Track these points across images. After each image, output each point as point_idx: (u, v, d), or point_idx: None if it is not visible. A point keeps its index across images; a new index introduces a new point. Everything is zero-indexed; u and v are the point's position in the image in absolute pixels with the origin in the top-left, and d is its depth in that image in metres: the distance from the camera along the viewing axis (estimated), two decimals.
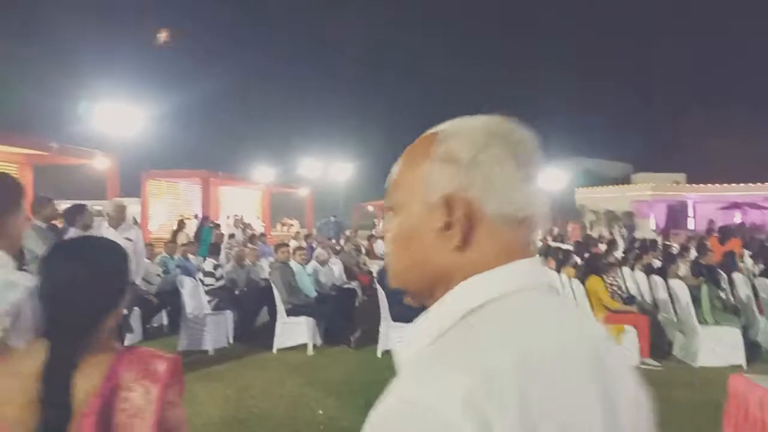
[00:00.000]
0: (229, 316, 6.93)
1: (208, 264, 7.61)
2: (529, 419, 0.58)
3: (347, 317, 7.49)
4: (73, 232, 4.91)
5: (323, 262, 8.29)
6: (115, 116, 18.82)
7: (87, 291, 1.19)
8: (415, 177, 0.74)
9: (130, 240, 5.51)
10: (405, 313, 6.35)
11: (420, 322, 0.72)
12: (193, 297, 6.77)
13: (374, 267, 11.77)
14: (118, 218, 5.58)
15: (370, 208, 47.03)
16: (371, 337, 6.55)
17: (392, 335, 6.27)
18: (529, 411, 0.58)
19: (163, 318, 7.75)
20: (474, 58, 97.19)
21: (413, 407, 0.58)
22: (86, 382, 1.12)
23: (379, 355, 6.31)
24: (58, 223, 6.12)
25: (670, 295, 6.84)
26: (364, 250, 13.08)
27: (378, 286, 6.75)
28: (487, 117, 0.76)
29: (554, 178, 36.45)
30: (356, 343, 6.74)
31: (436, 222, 0.71)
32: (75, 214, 5.01)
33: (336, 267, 9.51)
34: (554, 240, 17.61)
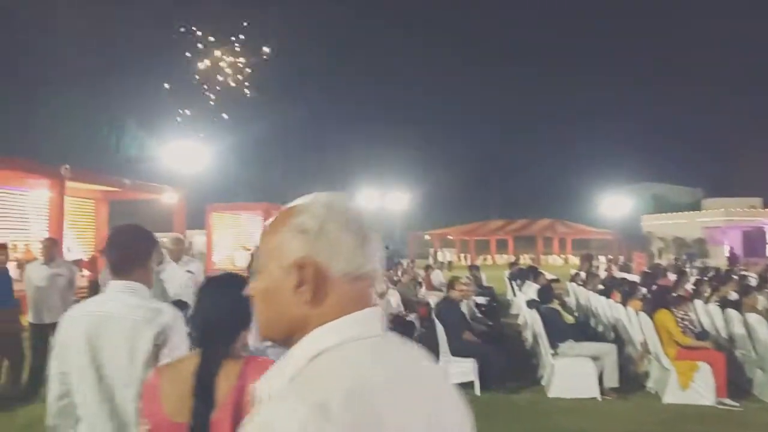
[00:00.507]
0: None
1: None
2: None
3: None
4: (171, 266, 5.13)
5: (381, 294, 8.30)
6: (182, 153, 19.82)
7: (229, 314, 1.60)
8: (275, 244, 0.89)
9: (191, 272, 5.71)
10: (465, 348, 6.27)
11: (280, 363, 0.85)
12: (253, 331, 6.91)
13: (432, 298, 11.67)
14: (177, 251, 5.79)
15: (427, 237, 46.91)
16: None
17: (452, 370, 6.17)
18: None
19: None
20: (534, 84, 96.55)
21: (268, 428, 0.73)
22: (226, 382, 1.50)
23: None
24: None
25: (747, 329, 6.42)
26: (421, 281, 13.02)
27: (436, 320, 6.68)
28: (331, 194, 0.93)
29: (618, 204, 35.24)
30: None
31: (291, 281, 0.85)
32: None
33: (393, 298, 9.50)
34: (620, 270, 16.94)
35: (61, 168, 14.84)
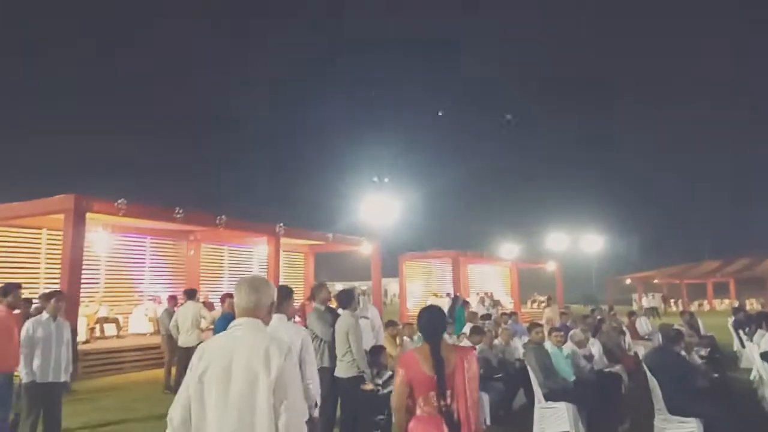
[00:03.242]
0: (485, 397, 6.94)
1: (464, 345, 7.83)
2: (197, 365, 2.20)
3: (613, 405, 6.86)
4: (346, 313, 5.63)
5: (581, 343, 7.83)
6: (376, 207, 21.22)
7: (438, 323, 3.08)
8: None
9: (367, 318, 6.23)
10: (687, 406, 5.57)
11: None
12: None
13: (639, 349, 10.62)
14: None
15: (628, 282, 42.97)
16: (644, 430, 5.87)
17: (670, 431, 5.54)
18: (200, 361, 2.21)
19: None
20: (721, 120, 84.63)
21: None
22: (449, 359, 2.89)
23: None
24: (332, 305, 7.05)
25: None
26: (625, 329, 11.94)
27: (648, 372, 6.07)
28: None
29: None
30: None
31: None
32: (346, 299, 5.76)
33: (595, 348, 8.88)
34: None
35: (276, 227, 16.92)
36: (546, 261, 34.37)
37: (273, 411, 2.10)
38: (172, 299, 10.58)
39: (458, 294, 18.56)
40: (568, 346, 7.62)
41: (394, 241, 28.99)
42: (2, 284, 6.23)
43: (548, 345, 7.07)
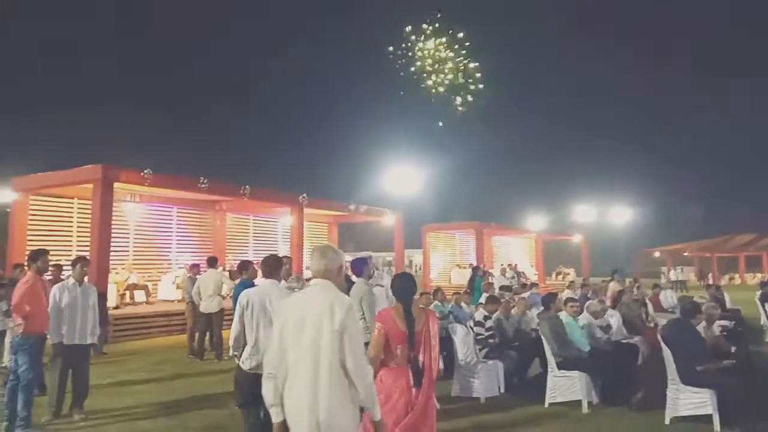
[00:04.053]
0: (499, 365, 7.01)
1: (479, 314, 7.88)
2: (279, 319, 2.78)
3: (628, 376, 6.85)
4: (360, 281, 5.72)
5: (597, 314, 7.80)
6: (399, 178, 21.18)
7: (410, 287, 3.64)
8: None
9: (382, 286, 6.93)
10: (700, 377, 5.54)
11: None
12: (464, 344, 7.06)
13: (661, 321, 10.51)
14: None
15: (657, 254, 42.28)
16: (657, 400, 5.86)
17: (683, 400, 5.52)
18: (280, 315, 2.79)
19: (440, 362, 8.23)
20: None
21: None
22: (419, 318, 3.52)
23: (666, 422, 5.61)
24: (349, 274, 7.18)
25: None
26: (648, 302, 11.82)
27: (662, 342, 6.03)
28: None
29: None
30: (639, 406, 6.10)
31: None
32: (359, 267, 5.86)
33: (614, 319, 8.83)
34: None
35: (299, 197, 17.09)
36: (572, 233, 33.98)
37: (339, 354, 2.54)
38: (195, 267, 10.87)
39: (479, 265, 18.55)
40: (585, 317, 7.60)
41: (419, 211, 29.00)
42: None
43: (563, 315, 7.07)
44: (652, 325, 10.17)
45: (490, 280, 14.20)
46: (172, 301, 14.61)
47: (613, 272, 14.00)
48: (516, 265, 23.97)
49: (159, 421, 5.88)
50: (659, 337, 6.01)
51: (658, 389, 5.91)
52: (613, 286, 12.02)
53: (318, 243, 21.64)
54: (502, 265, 22.82)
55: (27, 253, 7.83)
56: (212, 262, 9.82)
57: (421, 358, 3.45)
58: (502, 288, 11.35)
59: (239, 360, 4.16)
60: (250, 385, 4.00)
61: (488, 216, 31.77)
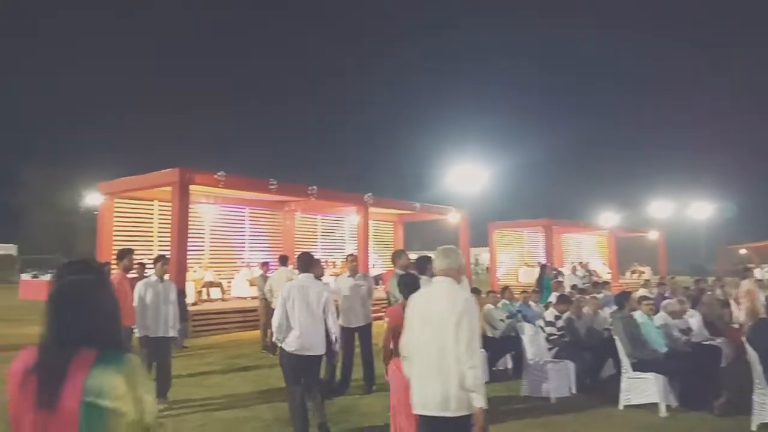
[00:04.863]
0: (570, 365, 6.84)
1: (550, 314, 7.71)
2: (409, 313, 3.33)
3: (709, 379, 6.50)
4: (424, 279, 5.74)
5: (675, 314, 7.44)
6: (464, 176, 21.00)
7: (414, 284, 4.32)
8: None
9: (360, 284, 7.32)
10: None
11: None
12: (533, 343, 6.94)
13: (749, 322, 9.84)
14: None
15: (743, 252, 39.56)
16: (742, 405, 5.54)
17: None
18: (409, 309, 3.35)
19: (508, 362, 8.13)
20: None
21: None
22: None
23: (753, 428, 5.30)
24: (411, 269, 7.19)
25: None
26: (732, 302, 11.13)
27: (748, 345, 5.69)
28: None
29: None
30: (721, 411, 5.79)
31: None
32: (423, 265, 5.87)
33: (694, 320, 8.40)
34: None
35: (364, 196, 17.30)
36: (648, 229, 32.46)
37: (457, 341, 2.94)
38: (265, 265, 11.31)
39: (547, 264, 18.09)
40: (661, 317, 7.28)
41: (485, 209, 28.62)
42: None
43: (638, 314, 6.81)
44: (736, 326, 9.59)
45: (560, 279, 13.84)
46: (246, 298, 15.18)
47: (744, 270, 12.28)
48: (587, 263, 23.18)
49: (234, 412, 6.16)
50: (744, 338, 5.68)
51: (743, 394, 5.59)
52: (748, 285, 10.29)
53: (384, 241, 21.87)
54: (572, 263, 22.13)
55: (114, 252, 8.40)
56: (283, 260, 10.14)
57: None
58: (572, 287, 11.05)
59: (281, 343, 4.93)
60: (293, 366, 4.90)
61: (557, 213, 30.90)
